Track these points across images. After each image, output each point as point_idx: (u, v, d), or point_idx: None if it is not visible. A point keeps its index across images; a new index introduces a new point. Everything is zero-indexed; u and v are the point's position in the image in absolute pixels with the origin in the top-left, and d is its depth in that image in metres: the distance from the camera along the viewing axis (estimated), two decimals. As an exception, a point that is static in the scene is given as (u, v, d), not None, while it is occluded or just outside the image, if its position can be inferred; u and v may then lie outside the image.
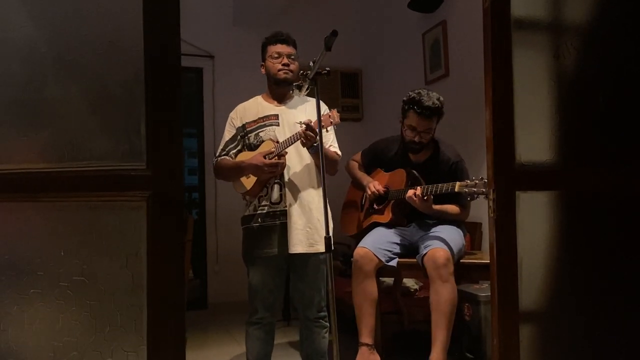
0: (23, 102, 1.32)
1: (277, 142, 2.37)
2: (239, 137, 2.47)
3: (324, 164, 2.06)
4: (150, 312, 1.26)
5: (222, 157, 2.46)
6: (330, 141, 2.48)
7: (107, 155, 1.29)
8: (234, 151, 2.47)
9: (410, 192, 2.64)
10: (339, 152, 2.52)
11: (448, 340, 2.50)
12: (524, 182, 1.55)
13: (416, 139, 2.74)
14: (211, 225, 4.71)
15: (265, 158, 2.32)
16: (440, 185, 2.57)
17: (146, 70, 1.27)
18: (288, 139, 2.31)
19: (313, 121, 2.18)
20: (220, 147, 2.50)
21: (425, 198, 2.61)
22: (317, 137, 2.10)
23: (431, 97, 2.68)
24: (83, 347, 1.31)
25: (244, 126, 2.46)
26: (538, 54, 1.61)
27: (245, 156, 2.42)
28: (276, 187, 2.37)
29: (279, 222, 2.35)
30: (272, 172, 2.31)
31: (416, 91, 2.73)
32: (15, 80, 1.32)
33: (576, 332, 1.63)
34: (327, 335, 2.46)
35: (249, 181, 2.41)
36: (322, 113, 2.15)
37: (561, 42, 1.61)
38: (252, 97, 2.58)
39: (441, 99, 2.72)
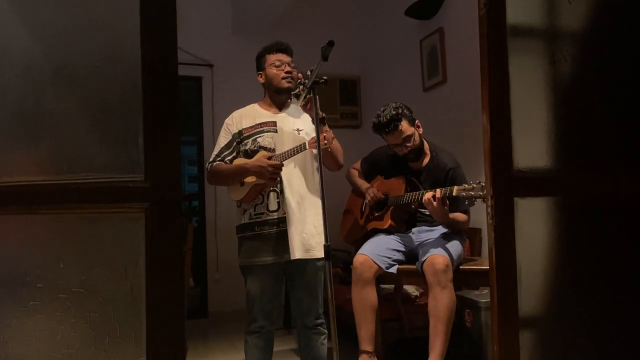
0: (21, 115, 1.33)
1: (274, 150, 2.38)
2: (234, 143, 2.47)
3: (321, 161, 2.10)
4: (149, 323, 1.25)
5: (218, 163, 2.46)
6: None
7: (105, 167, 1.29)
8: (229, 158, 2.46)
9: (429, 195, 2.56)
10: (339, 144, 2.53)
11: (445, 346, 2.51)
12: (522, 188, 1.55)
13: (404, 150, 2.78)
14: (211, 233, 4.71)
15: (272, 158, 2.34)
16: (438, 190, 2.57)
17: (144, 82, 1.27)
18: (287, 151, 2.32)
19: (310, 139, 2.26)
20: (215, 152, 2.50)
21: (442, 203, 2.52)
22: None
23: (385, 113, 2.74)
24: (82, 358, 1.31)
25: (240, 132, 2.46)
26: (534, 61, 1.62)
27: (240, 161, 2.43)
28: (272, 195, 2.37)
29: (276, 230, 2.35)
30: (273, 174, 2.31)
31: (374, 117, 2.81)
32: (13, 93, 1.32)
33: (577, 338, 1.63)
34: (325, 341, 2.46)
35: (245, 188, 2.41)
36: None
37: (557, 49, 1.62)
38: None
39: (396, 104, 2.77)
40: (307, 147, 2.28)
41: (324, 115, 2.26)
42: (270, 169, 2.30)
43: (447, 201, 2.56)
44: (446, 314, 2.50)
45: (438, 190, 2.56)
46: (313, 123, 2.36)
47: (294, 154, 2.32)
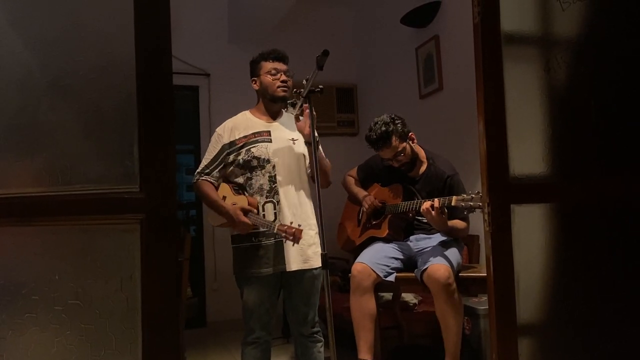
0: (17, 127, 1.33)
1: (268, 161, 2.36)
2: (223, 154, 2.42)
3: (319, 178, 2.07)
4: (145, 335, 1.25)
5: (204, 180, 2.43)
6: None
7: (100, 178, 1.29)
8: (216, 170, 2.43)
9: (427, 204, 2.55)
10: (328, 161, 2.50)
11: (459, 345, 2.58)
12: (518, 195, 1.55)
13: (396, 164, 2.80)
14: (209, 243, 4.70)
15: (248, 215, 2.29)
16: (436, 199, 2.56)
17: (138, 93, 1.28)
18: (260, 219, 2.30)
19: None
20: (204, 163, 2.45)
21: (441, 212, 2.53)
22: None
23: (376, 128, 2.73)
24: (78, 371, 1.30)
25: (231, 143, 2.41)
26: (529, 68, 1.62)
27: (226, 190, 2.41)
28: (269, 206, 2.35)
29: (273, 241, 2.33)
30: (240, 230, 2.31)
31: (367, 129, 2.80)
32: (10, 106, 1.33)
33: (575, 344, 1.62)
34: (322, 349, 2.44)
35: (222, 217, 2.39)
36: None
37: (551, 56, 1.62)
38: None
39: (388, 118, 2.75)
40: (275, 230, 2.22)
41: (317, 136, 2.24)
42: (240, 225, 2.28)
43: (445, 210, 2.55)
44: (454, 321, 2.53)
45: (436, 199, 2.54)
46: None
47: (265, 226, 2.27)
